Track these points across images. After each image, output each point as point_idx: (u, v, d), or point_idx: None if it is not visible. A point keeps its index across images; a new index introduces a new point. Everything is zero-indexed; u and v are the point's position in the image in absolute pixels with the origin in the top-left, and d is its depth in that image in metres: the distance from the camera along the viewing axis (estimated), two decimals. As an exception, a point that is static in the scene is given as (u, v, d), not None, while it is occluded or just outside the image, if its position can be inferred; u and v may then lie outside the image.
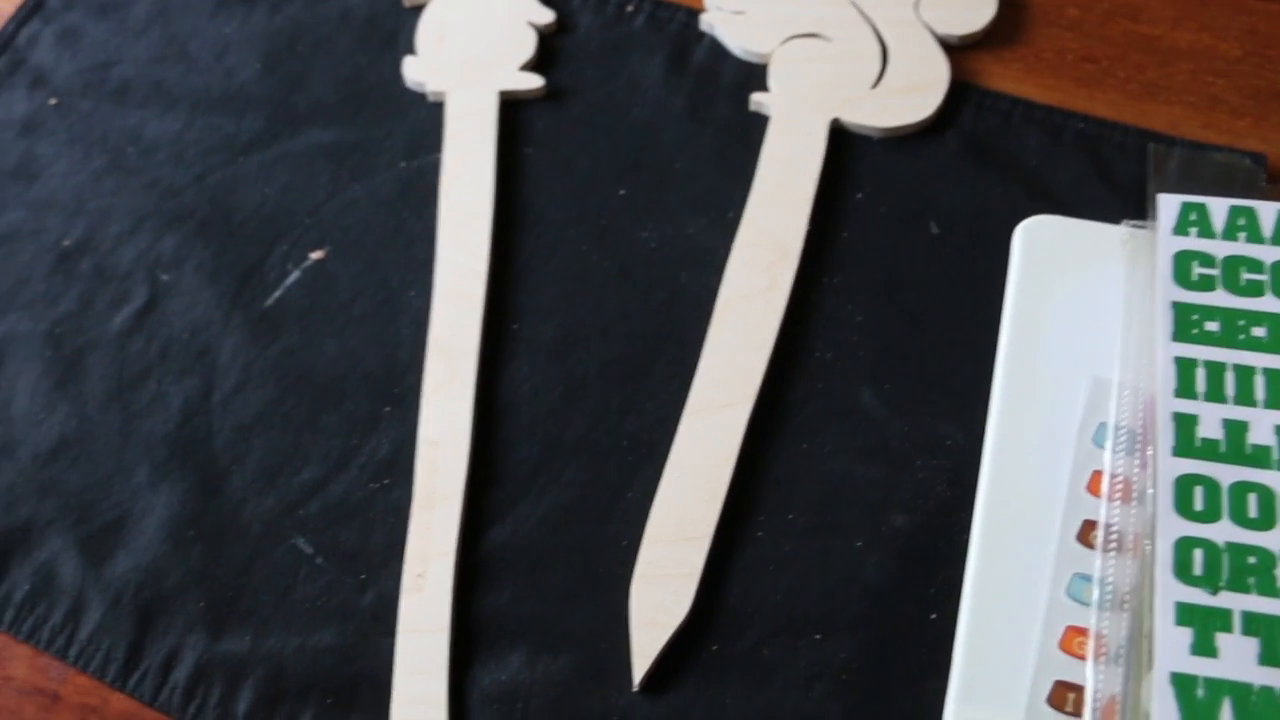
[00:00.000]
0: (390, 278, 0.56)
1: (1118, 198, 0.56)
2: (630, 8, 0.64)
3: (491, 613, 0.48)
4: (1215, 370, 0.47)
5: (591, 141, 0.60)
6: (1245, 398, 0.46)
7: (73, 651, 0.48)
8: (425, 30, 0.63)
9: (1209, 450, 0.45)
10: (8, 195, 0.59)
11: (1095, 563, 0.45)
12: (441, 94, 0.61)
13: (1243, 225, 0.50)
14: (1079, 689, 0.43)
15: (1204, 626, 0.41)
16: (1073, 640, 0.44)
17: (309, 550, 0.50)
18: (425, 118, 0.61)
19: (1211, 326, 0.48)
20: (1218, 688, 0.40)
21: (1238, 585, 0.42)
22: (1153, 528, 0.44)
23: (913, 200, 0.57)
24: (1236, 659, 0.41)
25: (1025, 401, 0.49)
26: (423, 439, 0.51)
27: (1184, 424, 0.46)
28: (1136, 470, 0.46)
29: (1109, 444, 0.47)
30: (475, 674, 0.47)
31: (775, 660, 0.47)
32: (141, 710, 0.47)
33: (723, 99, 0.60)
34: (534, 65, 0.62)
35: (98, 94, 0.63)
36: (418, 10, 0.64)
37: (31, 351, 0.55)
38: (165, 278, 0.57)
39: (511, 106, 0.61)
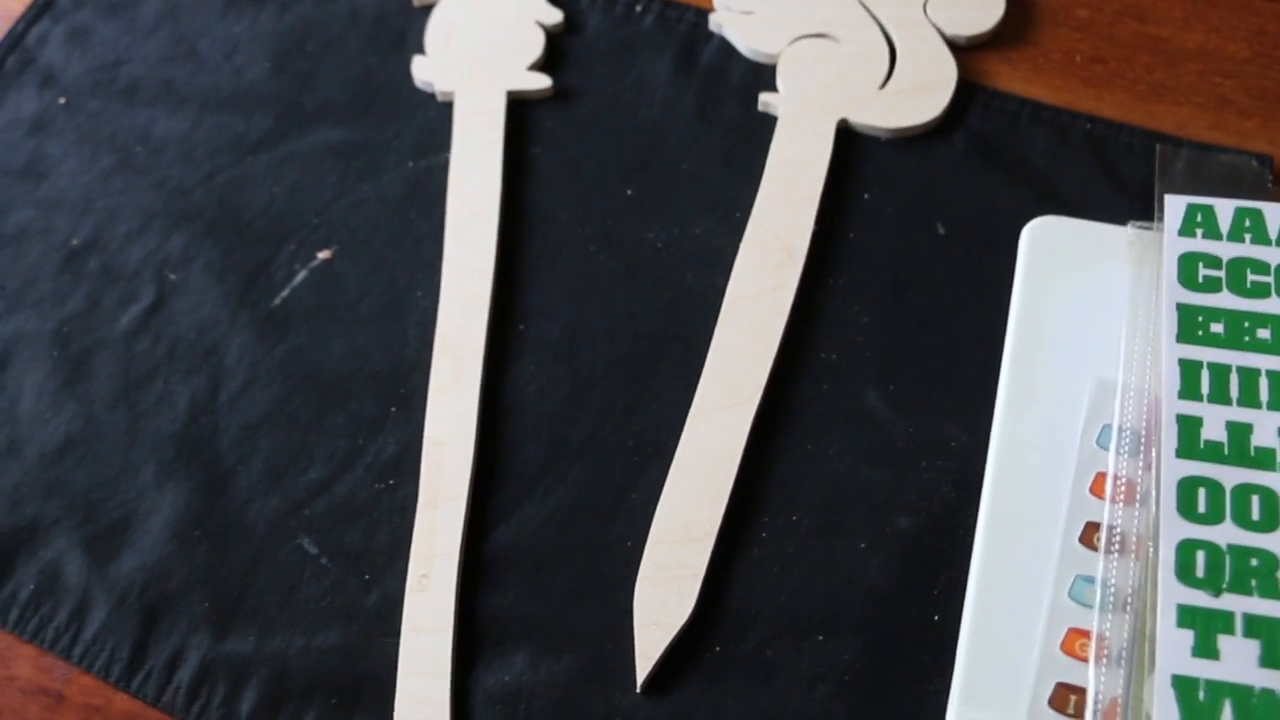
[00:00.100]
0: (397, 277, 0.56)
1: (1125, 199, 0.55)
2: (639, 8, 0.64)
3: (495, 613, 0.48)
4: (1220, 372, 0.47)
5: (599, 141, 0.60)
6: (1250, 400, 0.46)
7: (77, 651, 0.48)
8: (434, 30, 0.63)
9: (1213, 452, 0.45)
10: (16, 194, 0.60)
11: (1098, 564, 0.45)
12: (450, 94, 0.61)
13: (1249, 227, 0.50)
14: (1081, 691, 0.43)
15: (1206, 628, 0.41)
16: (1075, 642, 0.44)
17: (314, 550, 0.50)
18: (433, 117, 0.61)
19: (1216, 328, 0.48)
20: (1219, 690, 0.40)
21: (1240, 587, 0.42)
22: (1156, 530, 0.44)
23: (919, 201, 0.57)
24: (1238, 661, 0.41)
25: (1030, 403, 0.49)
26: (428, 439, 0.51)
27: (1188, 426, 0.46)
28: (1140, 472, 0.46)
29: (1113, 446, 0.47)
30: (479, 674, 0.47)
31: (778, 661, 0.47)
32: (145, 710, 0.48)
33: (731, 99, 0.60)
34: (542, 65, 0.62)
35: (107, 93, 0.63)
36: (427, 10, 0.64)
37: (39, 350, 0.55)
38: (173, 277, 0.57)
39: (519, 106, 0.61)
